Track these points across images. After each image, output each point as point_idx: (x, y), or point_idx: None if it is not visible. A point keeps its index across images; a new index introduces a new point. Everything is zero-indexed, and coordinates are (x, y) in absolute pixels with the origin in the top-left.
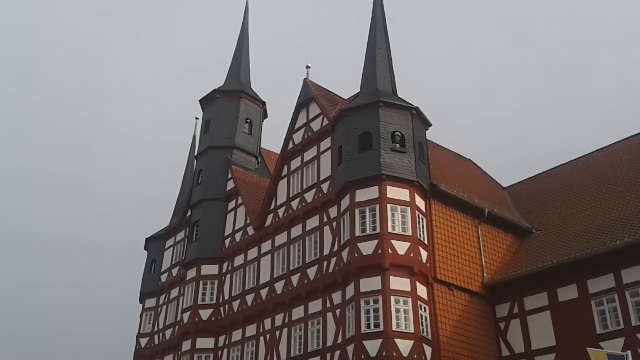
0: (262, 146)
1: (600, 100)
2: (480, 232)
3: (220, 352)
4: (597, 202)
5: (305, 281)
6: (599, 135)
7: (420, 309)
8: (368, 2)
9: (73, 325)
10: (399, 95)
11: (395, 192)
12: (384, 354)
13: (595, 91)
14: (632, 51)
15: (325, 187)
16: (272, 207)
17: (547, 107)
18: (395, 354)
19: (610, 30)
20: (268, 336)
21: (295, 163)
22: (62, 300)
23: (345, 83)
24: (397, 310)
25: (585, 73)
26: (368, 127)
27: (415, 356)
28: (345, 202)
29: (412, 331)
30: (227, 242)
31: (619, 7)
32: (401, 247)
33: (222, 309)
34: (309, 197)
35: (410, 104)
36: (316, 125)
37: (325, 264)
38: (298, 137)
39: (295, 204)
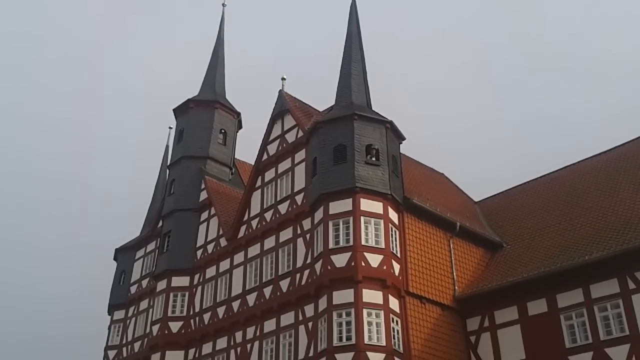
0: (236, 157)
1: (570, 121)
2: (451, 245)
3: None
4: (566, 218)
5: (278, 293)
6: (568, 152)
7: (392, 321)
8: (344, 16)
9: (41, 333)
10: (373, 109)
11: (368, 204)
12: None
13: (566, 112)
14: (597, 78)
15: (299, 198)
16: (245, 218)
17: (520, 125)
18: None
19: (580, 57)
20: (239, 349)
21: (269, 174)
22: (30, 308)
23: (321, 95)
24: (369, 323)
25: (556, 96)
26: (342, 139)
27: None
28: (319, 214)
29: (384, 344)
30: (199, 253)
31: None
32: (374, 260)
33: (192, 321)
34: (283, 208)
35: (384, 117)
36: (291, 137)
37: (298, 276)
38: (272, 148)
39: (268, 215)
